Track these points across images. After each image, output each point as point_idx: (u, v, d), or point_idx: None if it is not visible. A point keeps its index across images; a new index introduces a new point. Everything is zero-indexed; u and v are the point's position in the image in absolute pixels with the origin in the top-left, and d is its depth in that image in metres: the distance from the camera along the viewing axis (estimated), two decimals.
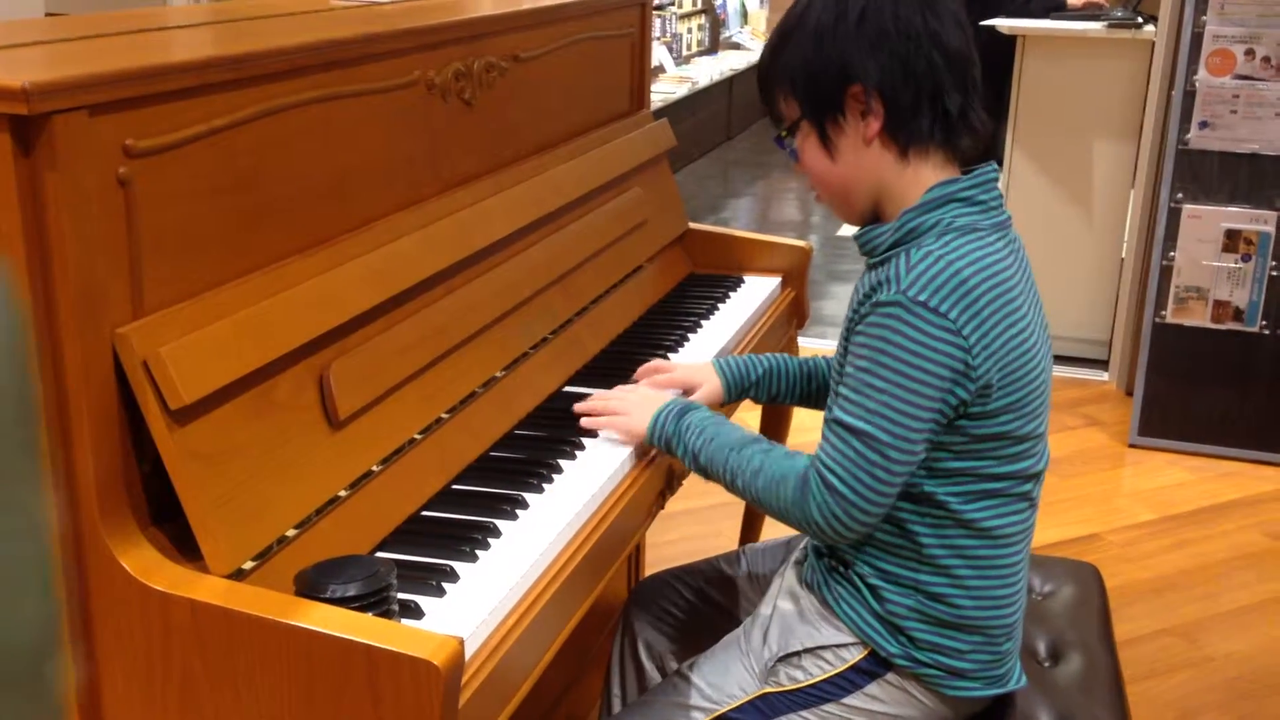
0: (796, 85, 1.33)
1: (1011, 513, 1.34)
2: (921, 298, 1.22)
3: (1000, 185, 1.36)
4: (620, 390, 1.55)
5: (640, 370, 1.64)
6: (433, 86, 1.50)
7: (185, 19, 1.48)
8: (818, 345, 4.23)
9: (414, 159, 1.49)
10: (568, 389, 1.64)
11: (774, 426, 2.21)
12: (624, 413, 1.49)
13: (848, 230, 6.24)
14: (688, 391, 1.60)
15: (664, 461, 1.51)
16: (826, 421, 1.30)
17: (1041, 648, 1.59)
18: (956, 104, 1.30)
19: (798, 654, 1.39)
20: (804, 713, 1.38)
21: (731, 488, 1.37)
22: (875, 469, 1.24)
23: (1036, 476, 1.36)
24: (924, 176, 1.31)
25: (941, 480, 1.30)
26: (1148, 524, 3.07)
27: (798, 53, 1.32)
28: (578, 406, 1.53)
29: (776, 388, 1.63)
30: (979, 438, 1.28)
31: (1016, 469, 1.32)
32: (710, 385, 1.61)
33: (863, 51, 1.28)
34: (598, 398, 1.54)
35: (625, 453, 1.46)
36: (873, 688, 1.37)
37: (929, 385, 1.23)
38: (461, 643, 1.00)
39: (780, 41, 1.35)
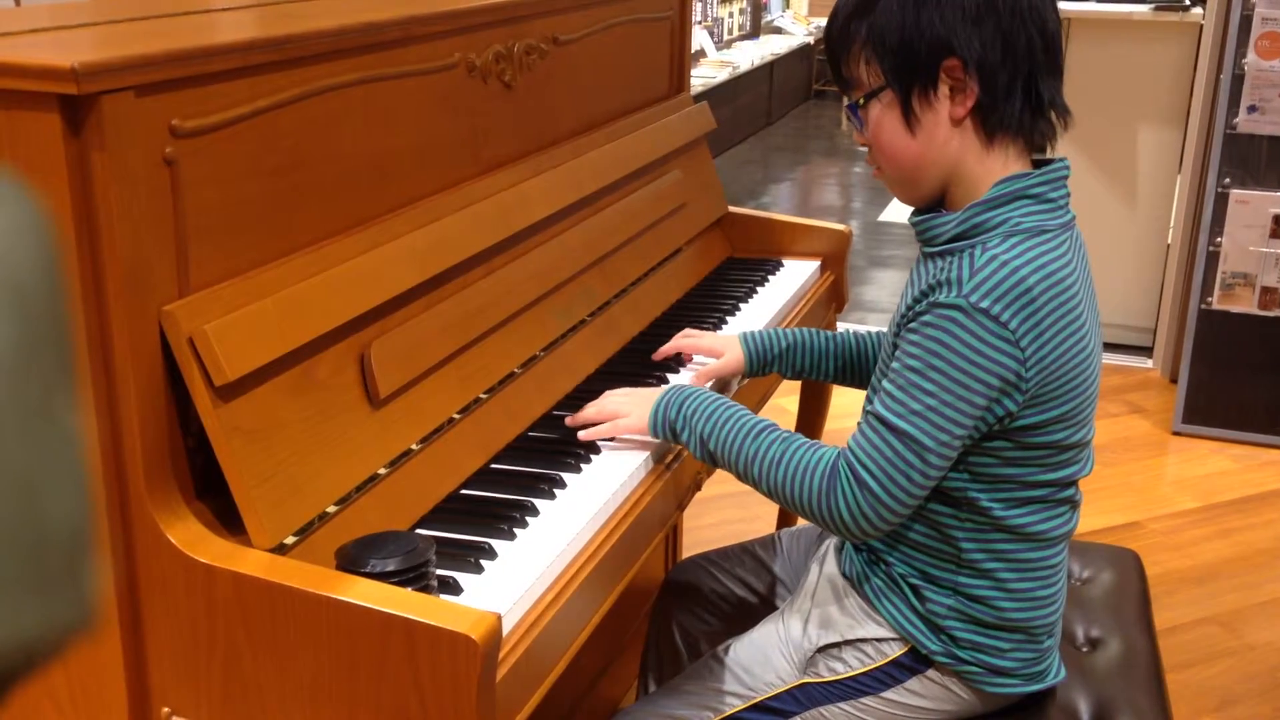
0: (884, 50, 1.24)
1: (1053, 516, 1.31)
2: (984, 304, 1.18)
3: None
4: (610, 394, 1.47)
5: (670, 343, 1.65)
6: (473, 69, 1.51)
7: (230, 1, 1.50)
8: (857, 330, 4.21)
9: (454, 141, 1.50)
10: (606, 370, 1.65)
11: (812, 408, 2.20)
12: (622, 413, 1.41)
13: (889, 215, 6.19)
14: (714, 358, 1.61)
15: None
16: (865, 414, 1.27)
17: (1080, 634, 1.58)
18: (1048, 90, 1.25)
19: (837, 645, 1.38)
20: (842, 704, 1.37)
21: (745, 475, 1.32)
22: (911, 470, 1.22)
23: (1078, 481, 1.34)
24: (1001, 166, 1.26)
25: (985, 486, 1.28)
26: (1190, 512, 3.04)
27: (892, 15, 1.23)
28: (570, 420, 1.45)
29: (802, 362, 1.62)
30: (1028, 445, 1.26)
31: (1061, 475, 1.30)
32: (733, 355, 1.60)
33: (966, 22, 1.21)
34: (590, 406, 1.45)
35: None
36: (913, 683, 1.36)
37: (977, 394, 1.20)
38: (499, 618, 1.01)
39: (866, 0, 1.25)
